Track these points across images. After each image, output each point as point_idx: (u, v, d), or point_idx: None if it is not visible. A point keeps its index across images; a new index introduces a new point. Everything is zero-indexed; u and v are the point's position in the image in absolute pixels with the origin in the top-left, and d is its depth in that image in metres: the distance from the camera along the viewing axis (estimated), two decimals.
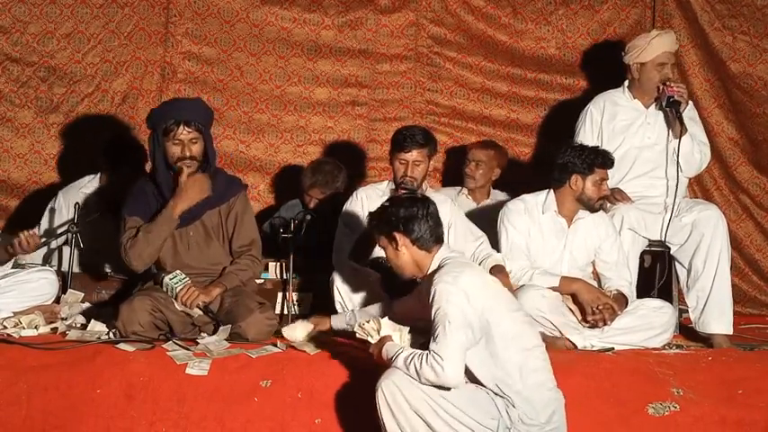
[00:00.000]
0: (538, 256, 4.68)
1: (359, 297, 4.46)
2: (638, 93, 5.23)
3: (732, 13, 6.16)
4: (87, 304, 4.66)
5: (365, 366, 3.78)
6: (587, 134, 5.20)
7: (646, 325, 4.54)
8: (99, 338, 4.10)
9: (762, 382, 4.10)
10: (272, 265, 4.91)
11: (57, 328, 4.27)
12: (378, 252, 4.58)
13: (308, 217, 4.82)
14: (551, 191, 4.72)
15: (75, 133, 5.81)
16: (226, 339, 4.08)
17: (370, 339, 3.61)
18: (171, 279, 4.28)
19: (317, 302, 4.73)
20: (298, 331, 4.11)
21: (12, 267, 4.65)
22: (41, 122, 5.81)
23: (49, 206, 5.25)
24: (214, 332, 4.17)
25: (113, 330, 4.15)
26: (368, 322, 3.62)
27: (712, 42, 6.15)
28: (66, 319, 4.43)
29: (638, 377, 4.05)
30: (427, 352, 3.34)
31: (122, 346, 3.95)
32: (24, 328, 4.19)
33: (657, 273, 5.18)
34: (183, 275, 4.31)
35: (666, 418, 3.91)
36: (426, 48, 6.17)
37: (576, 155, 4.62)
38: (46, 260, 5.13)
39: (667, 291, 5.13)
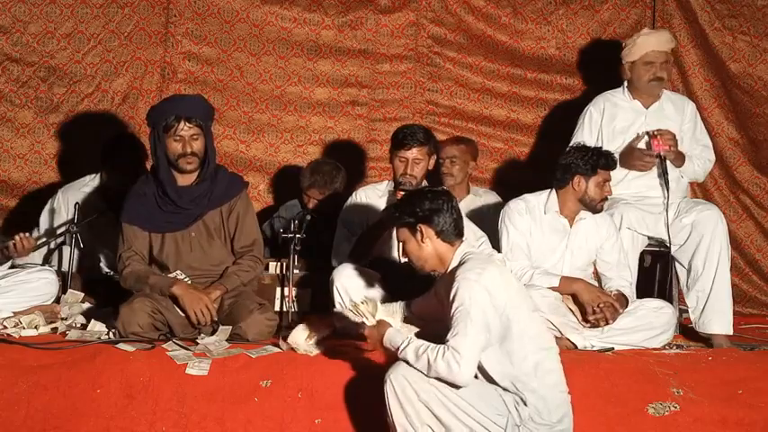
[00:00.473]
0: (539, 256, 4.68)
1: (359, 297, 4.45)
2: (637, 93, 5.23)
3: (732, 13, 6.16)
4: (87, 304, 4.65)
5: (365, 366, 3.78)
6: (585, 135, 5.20)
7: (646, 325, 4.53)
8: (99, 338, 4.10)
9: (762, 382, 4.10)
10: (272, 264, 4.91)
11: (57, 328, 4.27)
12: (377, 252, 4.59)
13: (308, 217, 4.81)
14: (553, 191, 4.71)
15: (75, 133, 5.81)
16: (226, 340, 4.07)
17: (366, 321, 3.56)
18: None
19: (317, 302, 4.73)
20: (299, 337, 4.00)
21: (11, 267, 4.65)
22: (41, 122, 5.81)
23: (49, 205, 5.24)
24: (213, 332, 4.17)
25: (113, 331, 4.15)
26: (363, 303, 3.58)
27: (712, 42, 6.15)
28: (66, 319, 4.43)
29: (638, 377, 4.05)
30: (444, 345, 3.32)
31: (122, 346, 3.95)
32: (24, 328, 4.19)
33: (657, 273, 5.18)
34: (184, 276, 4.31)
35: (666, 418, 3.91)
36: (426, 48, 6.17)
37: (580, 156, 4.61)
38: (46, 260, 5.12)
39: (667, 291, 5.14)
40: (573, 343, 4.44)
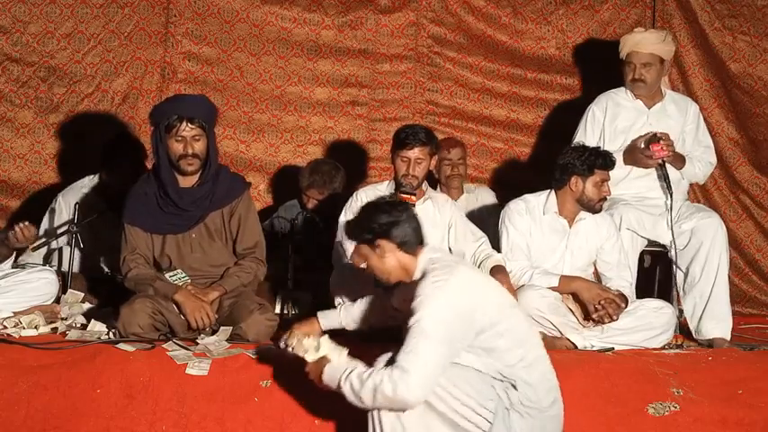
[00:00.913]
0: (539, 257, 4.68)
1: (358, 297, 4.45)
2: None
3: (732, 13, 6.16)
4: (88, 304, 4.65)
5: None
6: (588, 133, 5.20)
7: (646, 325, 4.53)
8: (99, 338, 4.09)
9: (762, 382, 4.10)
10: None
11: (57, 328, 4.27)
12: None
13: (308, 217, 4.82)
14: (552, 191, 4.72)
15: (75, 133, 5.81)
16: (226, 340, 4.07)
17: (307, 357, 3.39)
18: (171, 276, 4.29)
19: (316, 302, 4.73)
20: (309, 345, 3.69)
21: (12, 267, 4.65)
22: (41, 122, 5.81)
23: (50, 207, 5.25)
24: (214, 333, 4.17)
25: (113, 331, 4.15)
26: (307, 338, 3.43)
27: (712, 42, 6.15)
28: (66, 319, 4.43)
29: (638, 377, 4.05)
30: (391, 366, 3.17)
31: (122, 346, 3.94)
32: (24, 328, 4.18)
33: (657, 273, 5.18)
34: (183, 274, 4.32)
35: (666, 418, 3.91)
36: (426, 48, 6.17)
37: (577, 156, 4.61)
38: (46, 260, 5.12)
39: (667, 291, 5.14)
40: (573, 343, 4.44)
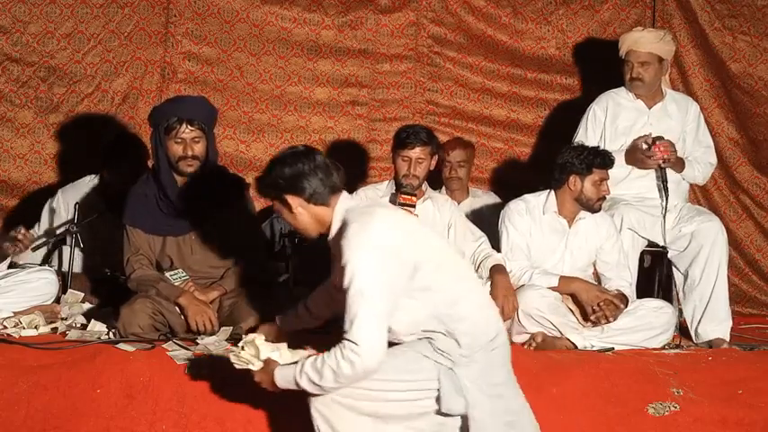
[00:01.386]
0: (539, 257, 4.68)
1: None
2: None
3: (732, 13, 6.17)
4: (88, 304, 4.66)
5: None
6: (589, 133, 5.20)
7: (645, 325, 4.54)
8: (99, 338, 4.09)
9: (762, 382, 4.10)
10: None
11: (57, 328, 4.27)
12: None
13: None
14: (552, 191, 4.72)
15: (75, 133, 5.81)
16: (225, 340, 4.07)
17: (251, 368, 3.25)
18: (172, 276, 4.30)
19: None
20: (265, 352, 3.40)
21: (10, 267, 4.64)
22: (41, 122, 5.81)
23: (48, 206, 5.24)
24: (213, 333, 4.17)
25: (113, 331, 4.15)
26: (242, 349, 3.29)
27: (712, 42, 6.15)
28: (66, 319, 4.43)
29: (638, 377, 4.05)
30: (340, 343, 3.02)
31: (122, 346, 3.95)
32: (24, 328, 4.18)
33: (657, 273, 5.18)
34: (184, 273, 4.32)
35: (666, 418, 3.91)
36: (426, 48, 6.18)
37: (575, 155, 4.61)
38: (46, 260, 5.12)
39: (667, 291, 5.14)
40: (573, 343, 4.44)
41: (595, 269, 4.79)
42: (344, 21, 6.10)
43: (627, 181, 5.11)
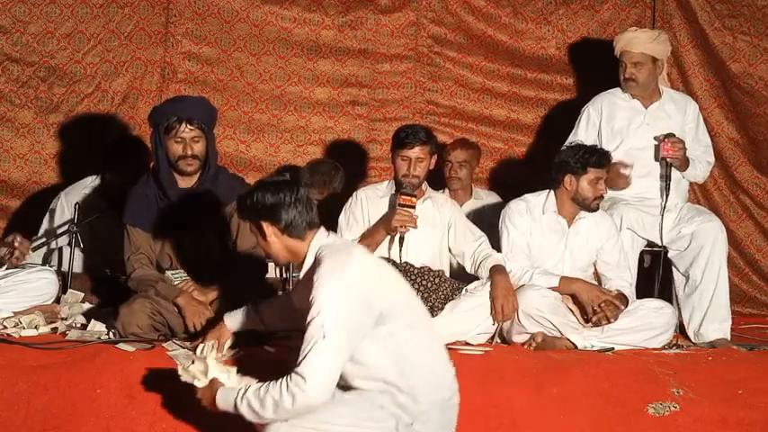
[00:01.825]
0: (539, 257, 4.68)
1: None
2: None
3: (732, 13, 6.17)
4: (87, 304, 4.66)
5: None
6: (581, 134, 5.20)
7: (646, 325, 4.53)
8: (99, 338, 4.10)
9: (762, 382, 4.10)
10: (271, 265, 4.90)
11: (57, 328, 4.27)
12: (379, 252, 4.59)
13: None
14: (551, 191, 4.72)
15: (75, 133, 5.81)
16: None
17: (196, 383, 3.20)
18: (173, 274, 4.31)
19: None
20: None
21: (10, 268, 4.65)
22: (41, 122, 5.81)
23: (51, 207, 5.25)
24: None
25: (113, 331, 4.15)
26: (192, 363, 3.22)
27: (712, 42, 6.15)
28: (66, 319, 4.43)
29: (638, 377, 4.05)
30: (287, 376, 2.96)
31: (122, 346, 3.95)
32: (24, 328, 4.19)
33: (657, 273, 5.18)
34: (184, 272, 4.32)
35: (666, 418, 3.90)
36: (426, 48, 6.18)
37: (571, 154, 4.62)
38: (46, 260, 5.13)
39: (667, 291, 5.14)
40: (573, 343, 4.44)
41: (596, 269, 4.79)
42: (344, 21, 6.10)
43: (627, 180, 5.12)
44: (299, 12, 6.05)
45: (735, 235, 6.06)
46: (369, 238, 4.56)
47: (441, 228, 4.72)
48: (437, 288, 4.51)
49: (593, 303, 4.50)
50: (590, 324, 4.52)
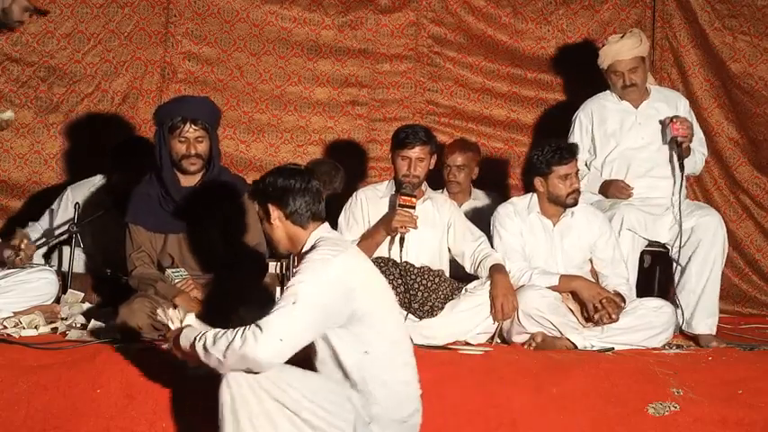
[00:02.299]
0: (532, 257, 4.69)
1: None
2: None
3: (732, 13, 6.17)
4: (87, 304, 4.66)
5: None
6: (577, 141, 5.21)
7: (645, 325, 4.54)
8: (99, 338, 4.09)
9: (762, 382, 4.10)
10: (271, 264, 4.90)
11: (57, 328, 4.27)
12: (379, 252, 4.59)
13: None
14: (534, 193, 4.75)
15: (75, 133, 5.81)
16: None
17: (170, 325, 3.31)
18: (174, 273, 4.32)
19: None
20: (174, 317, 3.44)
21: (11, 268, 4.65)
22: (41, 122, 5.81)
23: (56, 203, 5.24)
24: None
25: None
26: (173, 308, 3.37)
27: (712, 42, 6.15)
28: (66, 319, 4.43)
29: (638, 377, 4.05)
30: (248, 326, 3.04)
31: (122, 346, 3.95)
32: (24, 328, 4.19)
33: (657, 273, 5.18)
34: (184, 271, 4.33)
35: (666, 418, 3.90)
36: (426, 48, 6.18)
37: (535, 157, 4.64)
38: (46, 260, 5.12)
39: (667, 291, 5.13)
40: (573, 343, 4.44)
41: (592, 267, 4.78)
42: (344, 21, 6.10)
43: (628, 181, 5.11)
44: (299, 12, 6.06)
45: (735, 235, 6.06)
46: (369, 239, 4.56)
47: (440, 228, 4.73)
48: (437, 288, 4.51)
49: (594, 300, 4.50)
50: (591, 323, 4.52)
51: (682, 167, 4.98)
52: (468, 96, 6.22)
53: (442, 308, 4.49)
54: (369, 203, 4.75)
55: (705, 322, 4.88)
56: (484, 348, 4.36)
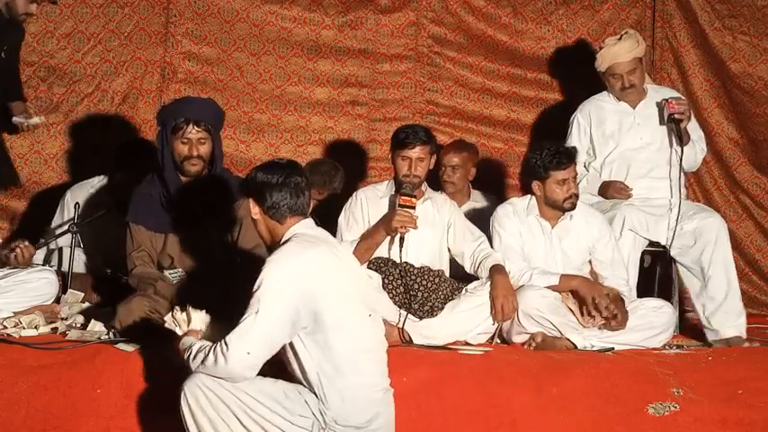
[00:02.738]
0: (531, 258, 4.69)
1: None
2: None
3: (732, 13, 6.17)
4: (87, 304, 4.66)
5: None
6: (576, 142, 5.21)
7: (646, 325, 4.53)
8: (99, 338, 4.09)
9: (762, 382, 4.10)
10: None
11: (57, 328, 4.27)
12: (379, 252, 4.59)
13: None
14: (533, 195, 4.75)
15: (74, 133, 5.82)
16: None
17: (177, 330, 3.42)
18: (172, 274, 4.32)
19: None
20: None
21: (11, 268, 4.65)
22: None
23: (60, 207, 5.25)
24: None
25: (112, 330, 4.14)
26: (181, 312, 3.44)
27: (712, 42, 6.16)
28: (66, 319, 4.43)
29: (638, 377, 4.05)
30: (221, 341, 3.16)
31: (122, 346, 3.94)
32: (24, 328, 4.18)
33: (657, 273, 5.18)
34: (183, 272, 4.33)
35: (666, 418, 3.90)
36: (426, 48, 6.18)
37: (534, 161, 4.63)
38: (46, 260, 5.13)
39: (667, 291, 5.13)
40: (573, 343, 4.44)
41: (592, 269, 4.78)
42: (344, 21, 6.10)
43: (627, 182, 5.11)
44: (299, 12, 6.06)
45: (735, 235, 6.06)
46: (369, 239, 4.56)
47: (440, 228, 4.72)
48: (437, 288, 4.51)
49: (593, 293, 4.48)
50: (591, 323, 4.51)
51: (681, 144, 4.96)
52: (468, 96, 6.22)
53: (442, 308, 4.49)
54: (369, 203, 4.75)
55: (734, 324, 4.82)
56: (484, 348, 4.35)
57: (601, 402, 3.92)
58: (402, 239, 4.50)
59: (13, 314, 4.33)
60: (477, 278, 4.64)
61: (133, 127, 5.85)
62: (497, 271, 4.54)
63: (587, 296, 4.50)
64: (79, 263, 4.96)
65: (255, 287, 3.19)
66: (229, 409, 3.18)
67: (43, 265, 4.94)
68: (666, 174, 5.09)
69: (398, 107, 6.17)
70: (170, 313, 3.47)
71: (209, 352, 3.17)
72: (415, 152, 4.61)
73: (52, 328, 4.26)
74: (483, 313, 4.47)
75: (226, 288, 4.25)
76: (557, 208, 4.67)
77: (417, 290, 4.47)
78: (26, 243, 4.50)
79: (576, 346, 4.43)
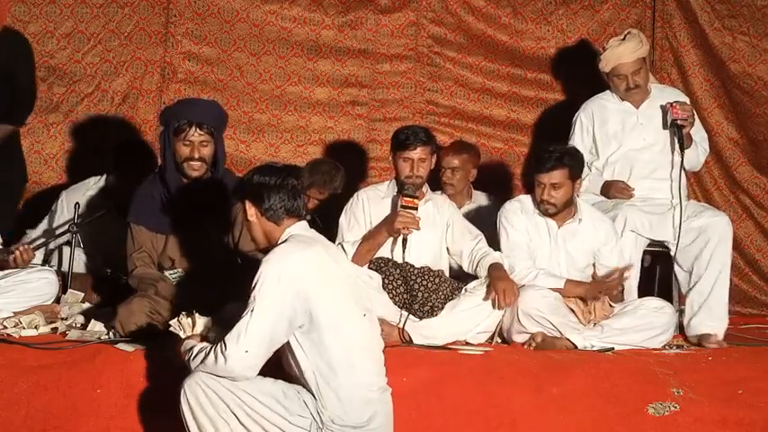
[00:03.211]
0: (536, 256, 4.69)
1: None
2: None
3: (732, 13, 6.17)
4: (87, 304, 4.66)
5: None
6: (577, 141, 5.21)
7: (646, 325, 4.53)
8: (99, 338, 4.09)
9: (762, 382, 4.10)
10: None
11: (57, 328, 4.27)
12: (381, 253, 4.59)
13: (308, 218, 4.80)
14: None
15: (74, 133, 5.82)
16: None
17: (181, 334, 3.45)
18: (172, 275, 4.32)
19: None
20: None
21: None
22: (41, 122, 5.80)
23: (52, 208, 5.25)
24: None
25: (112, 331, 4.14)
26: (187, 317, 3.47)
27: (712, 42, 6.15)
28: (66, 319, 4.43)
29: (638, 377, 4.05)
30: (221, 342, 3.20)
31: (122, 346, 3.95)
32: (24, 328, 4.19)
33: (658, 273, 5.17)
34: (181, 271, 4.33)
35: (666, 418, 3.91)
36: (426, 48, 6.18)
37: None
38: (46, 260, 5.13)
39: (668, 291, 5.13)
40: (573, 343, 4.43)
41: (595, 271, 4.78)
42: (344, 21, 6.10)
43: (630, 182, 5.11)
44: (299, 12, 6.06)
45: (735, 235, 6.01)
46: (371, 240, 4.55)
47: (440, 228, 4.72)
48: (437, 288, 4.51)
49: (595, 291, 4.50)
50: (592, 322, 4.52)
51: (682, 149, 4.96)
52: (468, 96, 6.21)
53: (443, 308, 4.49)
54: (370, 204, 4.74)
55: (712, 325, 4.81)
56: (484, 348, 4.36)
57: (601, 402, 3.93)
58: (405, 240, 4.49)
59: (13, 314, 4.33)
60: (476, 278, 4.64)
61: (133, 127, 5.85)
62: (496, 269, 4.53)
63: (590, 299, 4.51)
64: (79, 263, 4.97)
65: (252, 286, 3.22)
66: (229, 407, 3.20)
67: (43, 265, 4.95)
68: (668, 175, 5.09)
69: (398, 107, 6.16)
70: (176, 318, 3.49)
71: (209, 352, 3.20)
72: (417, 153, 4.61)
73: (52, 328, 4.26)
74: (483, 313, 4.47)
75: (226, 289, 4.26)
76: (541, 211, 4.68)
77: (418, 290, 4.47)
78: (25, 246, 4.50)
79: (576, 346, 4.43)
